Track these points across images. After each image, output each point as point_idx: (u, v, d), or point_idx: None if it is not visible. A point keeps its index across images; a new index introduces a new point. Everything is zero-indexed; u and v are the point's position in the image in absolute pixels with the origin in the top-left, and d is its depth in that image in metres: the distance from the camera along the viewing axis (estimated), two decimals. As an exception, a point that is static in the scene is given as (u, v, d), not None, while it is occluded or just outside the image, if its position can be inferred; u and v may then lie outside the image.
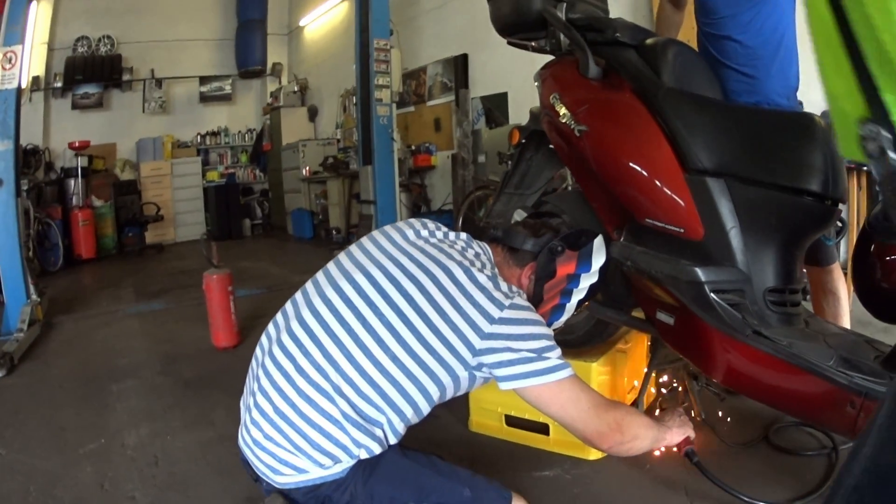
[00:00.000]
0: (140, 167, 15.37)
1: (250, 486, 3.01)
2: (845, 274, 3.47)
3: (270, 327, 2.48)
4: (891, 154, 0.92)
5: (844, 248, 5.82)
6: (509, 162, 4.01)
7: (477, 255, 2.49)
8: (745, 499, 2.84)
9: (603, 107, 2.99)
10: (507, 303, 2.26)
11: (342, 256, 2.53)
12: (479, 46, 10.51)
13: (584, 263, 2.64)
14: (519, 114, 4.34)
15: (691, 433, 2.68)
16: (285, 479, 2.27)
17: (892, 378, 2.31)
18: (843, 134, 1.02)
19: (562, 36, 3.22)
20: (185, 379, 5.15)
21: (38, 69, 13.94)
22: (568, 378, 2.27)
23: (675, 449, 2.66)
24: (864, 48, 0.94)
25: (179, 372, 5.34)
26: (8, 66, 6.59)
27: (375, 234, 2.58)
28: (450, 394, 2.35)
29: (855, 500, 1.18)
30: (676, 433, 2.62)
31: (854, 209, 5.81)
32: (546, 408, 2.33)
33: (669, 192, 2.67)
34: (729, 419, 3.57)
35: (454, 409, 3.70)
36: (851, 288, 2.78)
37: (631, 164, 2.79)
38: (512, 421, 3.62)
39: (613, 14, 3.29)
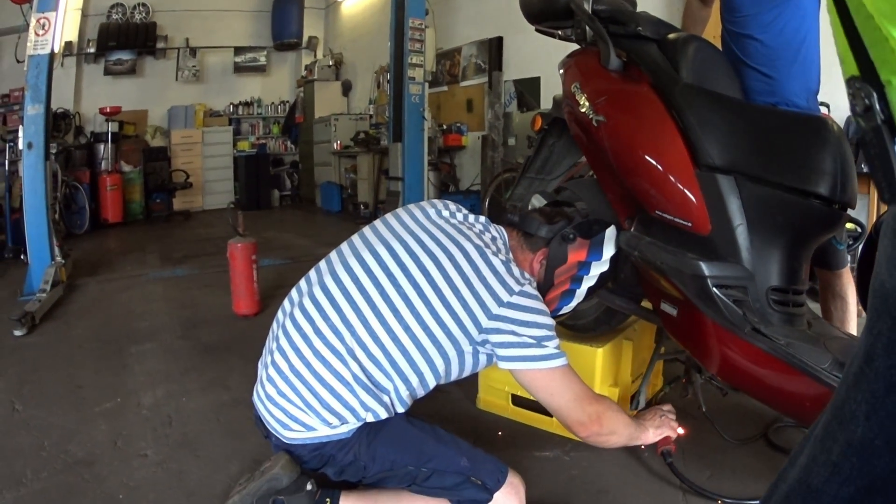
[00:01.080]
0: (171, 134, 15.41)
1: (259, 448, 3.13)
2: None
3: (293, 292, 2.60)
4: (876, 107, 0.92)
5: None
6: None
7: (493, 238, 2.59)
8: (718, 497, 2.92)
9: (621, 98, 3.01)
10: (517, 289, 2.36)
11: (366, 230, 2.64)
12: (514, 30, 10.50)
13: (595, 252, 2.74)
14: (550, 98, 4.37)
15: (671, 433, 2.80)
16: (294, 434, 2.38)
17: None
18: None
19: (586, 27, 3.24)
20: (204, 343, 5.22)
21: (72, 35, 14.01)
22: (561, 367, 2.39)
23: (644, 445, 2.79)
24: (851, 6, 0.95)
25: (199, 336, 5.41)
26: (41, 32, 6.63)
27: (399, 211, 2.68)
28: (454, 370, 2.45)
29: None
30: (654, 434, 2.76)
31: (874, 215, 5.80)
32: (536, 391, 2.44)
33: (680, 186, 2.69)
34: (730, 414, 3.59)
35: (464, 386, 3.75)
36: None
37: (644, 157, 2.81)
38: (518, 401, 3.67)
39: (646, 9, 3.29)
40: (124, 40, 14.81)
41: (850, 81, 0.97)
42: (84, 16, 14.43)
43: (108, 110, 12.97)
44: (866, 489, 1.06)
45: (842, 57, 1.01)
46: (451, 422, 3.59)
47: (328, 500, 2.46)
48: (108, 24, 14.70)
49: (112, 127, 13.13)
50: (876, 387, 1.01)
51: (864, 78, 0.95)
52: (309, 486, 2.42)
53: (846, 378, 1.10)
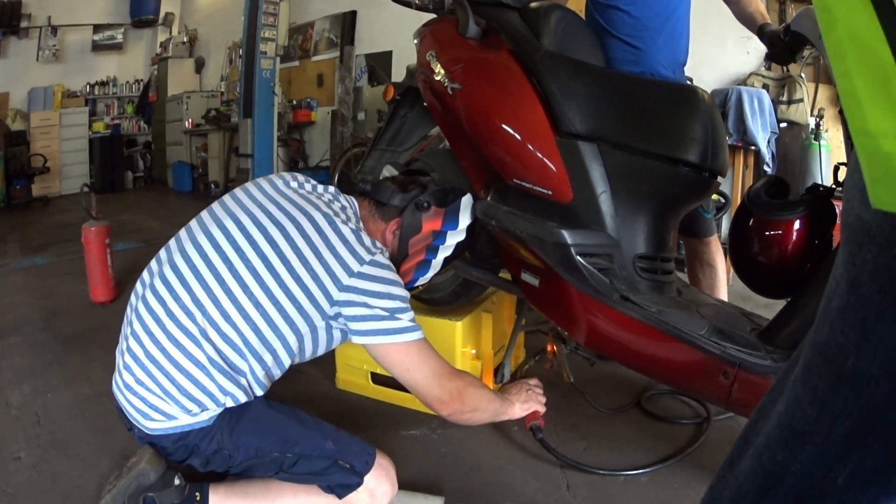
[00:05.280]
0: (30, 117, 14.80)
1: (126, 443, 3.02)
2: (725, 250, 3.50)
3: (145, 274, 2.49)
4: None
5: (727, 224, 5.95)
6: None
7: (343, 207, 2.52)
8: (593, 470, 2.90)
9: (478, 66, 2.95)
10: (367, 258, 2.29)
11: (214, 205, 2.54)
12: (369, 3, 10.54)
13: (451, 221, 2.69)
14: (402, 73, 4.35)
15: (539, 408, 2.79)
16: (154, 424, 2.28)
17: (767, 350, 2.35)
18: (878, 179, 0.88)
19: (445, -6, 3.18)
20: (65, 335, 5.06)
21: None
22: (416, 341, 2.34)
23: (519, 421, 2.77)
24: None
25: (59, 328, 5.24)
26: None
27: (247, 184, 2.59)
28: (308, 346, 2.39)
29: (767, 458, 1.18)
30: (520, 408, 2.74)
31: (739, 187, 5.94)
32: (391, 367, 2.39)
33: (539, 155, 2.65)
34: (600, 384, 3.60)
35: (321, 365, 3.67)
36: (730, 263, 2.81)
37: (502, 125, 2.76)
38: (378, 379, 3.60)
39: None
40: (-9, 20, 14.18)
41: None
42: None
43: (-30, 93, 12.31)
44: (864, 421, 1.03)
45: (878, 133, 0.86)
46: (311, 403, 3.51)
47: (197, 494, 2.38)
48: (-24, 3, 14.06)
49: (-26, 111, 12.47)
50: (866, 314, 0.99)
51: None
52: (177, 481, 2.33)
53: (826, 314, 1.07)
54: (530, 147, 2.68)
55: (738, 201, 5.32)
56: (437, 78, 3.04)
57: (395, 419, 3.43)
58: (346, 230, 2.33)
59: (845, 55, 0.87)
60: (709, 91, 5.83)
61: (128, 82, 17.05)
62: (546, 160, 2.64)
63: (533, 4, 2.97)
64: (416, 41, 3.38)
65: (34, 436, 3.43)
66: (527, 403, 2.75)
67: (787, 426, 1.14)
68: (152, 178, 16.57)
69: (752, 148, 5.91)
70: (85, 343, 4.84)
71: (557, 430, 3.19)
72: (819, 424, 1.08)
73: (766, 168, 5.97)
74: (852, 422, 1.04)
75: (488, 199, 2.91)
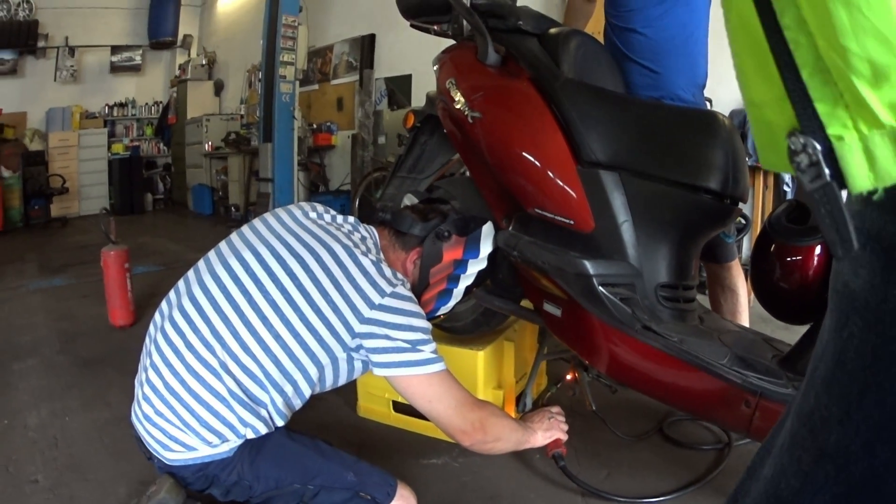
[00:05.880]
0: (48, 138, 14.88)
1: (144, 469, 2.97)
2: (746, 272, 3.48)
3: (163, 304, 2.48)
4: (824, 167, 0.86)
5: (747, 246, 5.91)
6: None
7: (363, 238, 2.50)
8: (614, 497, 2.89)
9: (498, 94, 2.94)
10: (388, 290, 2.28)
11: (233, 236, 2.53)
12: (387, 27, 10.52)
13: (472, 249, 2.68)
14: (422, 96, 4.36)
15: (562, 436, 2.76)
16: (175, 455, 2.27)
17: (788, 378, 2.33)
18: (765, 144, 0.98)
19: (464, 21, 3.17)
20: (83, 358, 5.06)
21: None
22: (438, 373, 2.32)
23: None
24: (797, 55, 0.89)
25: (77, 351, 5.24)
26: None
27: (266, 215, 2.58)
28: (329, 377, 2.37)
29: None
30: (542, 436, 2.71)
31: (759, 208, 5.91)
32: (414, 399, 2.36)
33: (560, 183, 2.64)
34: (621, 411, 3.57)
35: (343, 393, 3.63)
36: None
37: (522, 153, 2.75)
38: (400, 407, 3.58)
39: (525, 3, 3.25)
40: (7, 39, 14.29)
41: (791, 136, 0.90)
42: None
43: (-12, 113, 12.36)
44: (843, 496, 1.02)
45: (762, 103, 0.97)
46: (332, 431, 3.50)
47: None
48: (-6, 23, 14.16)
49: (-8, 130, 12.53)
50: (850, 390, 0.98)
51: (805, 132, 0.89)
52: None
53: (812, 384, 1.06)
54: (551, 176, 2.67)
55: (759, 222, 5.30)
56: (457, 106, 3.03)
57: (416, 448, 3.41)
58: (366, 262, 2.32)
59: (737, 37, 0.99)
60: (727, 111, 5.84)
61: (146, 104, 17.14)
62: (567, 189, 2.63)
63: (552, 30, 2.96)
64: (435, 68, 3.37)
65: (51, 459, 3.43)
66: (549, 431, 2.73)
67: (772, 494, 1.13)
68: (172, 200, 16.63)
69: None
70: (103, 366, 4.84)
71: (579, 457, 3.17)
72: (801, 496, 1.07)
73: (785, 188, 5.94)
74: (832, 496, 1.03)
75: (509, 228, 2.89)
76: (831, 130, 0.85)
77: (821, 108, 0.86)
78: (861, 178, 0.83)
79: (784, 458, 1.10)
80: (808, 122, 0.88)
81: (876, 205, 0.87)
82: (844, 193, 0.87)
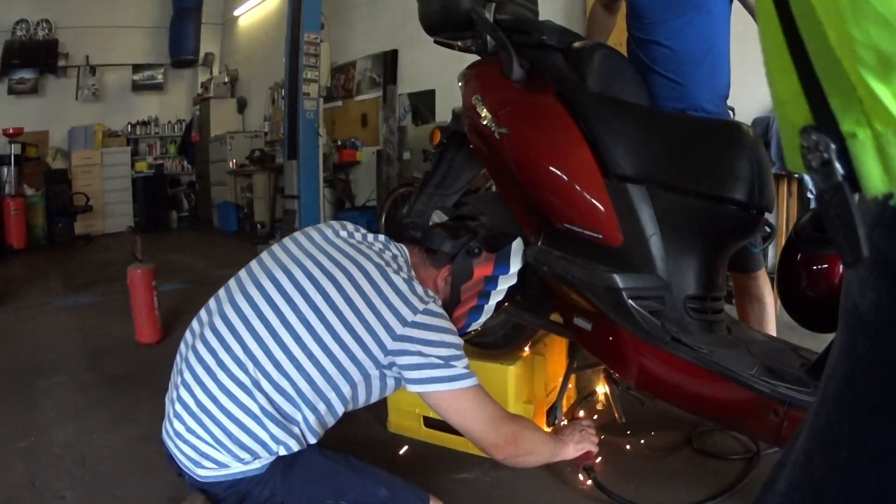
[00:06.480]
0: (71, 156, 15.00)
1: (173, 486, 2.98)
2: (772, 280, 3.47)
3: (194, 323, 2.50)
4: (837, 166, 0.83)
5: (773, 254, 5.89)
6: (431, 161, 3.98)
7: (394, 257, 2.51)
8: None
9: (524, 109, 2.96)
10: (421, 307, 2.29)
11: (264, 255, 2.54)
12: (410, 43, 10.51)
13: (502, 265, 2.68)
14: (445, 111, 4.34)
15: (592, 448, 2.77)
16: (206, 472, 2.28)
17: (816, 387, 2.32)
18: (788, 144, 0.93)
19: (488, 37, 3.18)
20: (110, 375, 5.08)
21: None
22: (471, 388, 2.32)
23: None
24: (809, 46, 0.85)
25: (104, 368, 5.27)
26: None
27: (297, 234, 2.60)
28: (362, 394, 2.38)
29: None
30: (574, 449, 2.71)
31: (784, 216, 5.88)
32: (447, 414, 2.38)
33: (588, 198, 2.65)
34: (650, 423, 3.58)
35: (373, 409, 3.59)
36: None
37: (550, 168, 2.77)
38: (430, 422, 3.58)
39: (546, 17, 3.26)
40: (27, 58, 14.45)
41: (804, 133, 0.87)
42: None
43: (10, 131, 12.60)
44: None
45: (784, 100, 0.93)
46: (363, 447, 3.49)
47: None
48: (13, 42, 14.32)
49: (15, 149, 12.67)
50: (858, 408, 0.98)
51: (820, 128, 0.86)
52: None
53: (823, 402, 1.06)
54: (579, 190, 2.68)
55: (783, 230, 5.28)
56: (484, 122, 3.04)
57: (448, 462, 3.41)
58: (398, 280, 2.33)
59: (763, 32, 0.95)
60: (750, 120, 5.82)
61: (170, 122, 17.24)
62: (595, 203, 2.64)
63: (576, 44, 2.97)
64: (460, 84, 3.39)
65: (79, 476, 3.45)
66: (580, 444, 2.72)
67: None
68: (197, 217, 16.70)
69: (796, 176, 5.85)
70: (131, 384, 4.86)
71: (609, 469, 3.16)
72: None
73: (809, 195, 5.91)
74: None
75: (539, 244, 2.90)
76: (845, 127, 0.83)
77: (835, 103, 0.84)
78: (875, 180, 0.80)
79: (798, 473, 1.11)
80: (823, 117, 0.85)
81: (884, 226, 0.85)
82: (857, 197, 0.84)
